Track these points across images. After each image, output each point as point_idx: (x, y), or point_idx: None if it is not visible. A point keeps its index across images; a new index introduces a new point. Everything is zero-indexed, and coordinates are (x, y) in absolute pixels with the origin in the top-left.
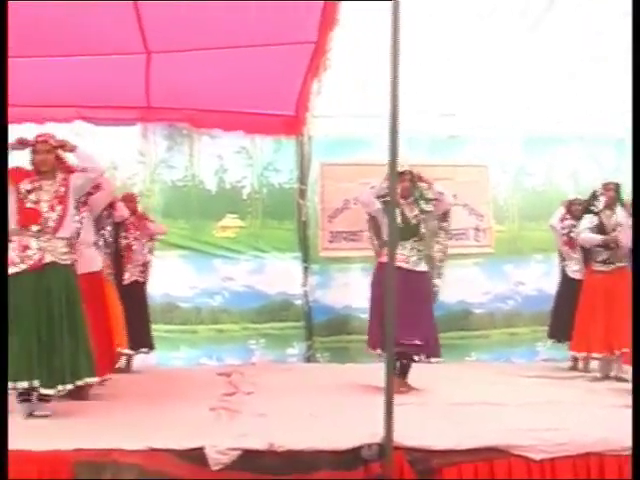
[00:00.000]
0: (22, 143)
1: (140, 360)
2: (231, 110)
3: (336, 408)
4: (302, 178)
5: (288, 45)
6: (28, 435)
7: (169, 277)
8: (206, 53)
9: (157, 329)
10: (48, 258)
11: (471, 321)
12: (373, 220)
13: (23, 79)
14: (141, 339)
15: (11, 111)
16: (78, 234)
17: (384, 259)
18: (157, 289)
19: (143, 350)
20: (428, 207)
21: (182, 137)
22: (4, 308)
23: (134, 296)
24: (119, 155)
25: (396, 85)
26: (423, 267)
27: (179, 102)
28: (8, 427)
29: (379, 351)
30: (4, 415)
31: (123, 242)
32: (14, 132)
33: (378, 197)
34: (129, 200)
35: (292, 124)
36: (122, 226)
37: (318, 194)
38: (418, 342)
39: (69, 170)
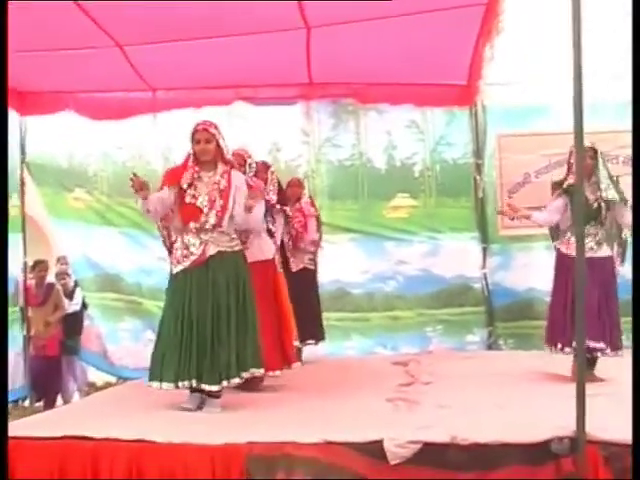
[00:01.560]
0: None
1: (311, 350)
2: (398, 82)
3: (522, 398)
4: (478, 152)
5: (457, 9)
6: (199, 427)
7: (339, 262)
8: (369, 24)
9: (328, 317)
10: (212, 250)
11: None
12: None
13: (179, 62)
14: (312, 330)
15: (167, 96)
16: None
17: (561, 247)
18: (327, 275)
19: (310, 342)
20: (612, 194)
21: (347, 114)
22: (4, 308)
23: (304, 285)
24: (281, 136)
25: (579, 46)
26: (604, 252)
27: (342, 77)
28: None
29: (560, 348)
30: (4, 415)
31: (291, 230)
32: (173, 117)
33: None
34: (295, 185)
35: (465, 94)
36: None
37: (496, 168)
38: (602, 345)
39: (231, 163)
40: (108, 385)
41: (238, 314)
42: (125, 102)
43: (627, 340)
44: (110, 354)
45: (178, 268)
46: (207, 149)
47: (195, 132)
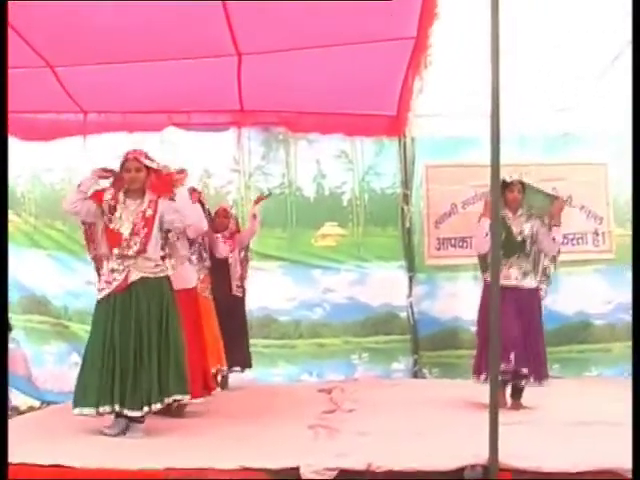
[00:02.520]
0: (107, 172)
1: (237, 376)
2: (328, 111)
3: (442, 426)
4: (406, 182)
5: (386, 41)
6: (120, 452)
7: (266, 289)
8: (300, 53)
9: (255, 344)
10: (135, 276)
11: (591, 333)
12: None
13: (111, 85)
14: (239, 356)
15: (99, 119)
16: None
17: (488, 277)
18: (254, 302)
19: (237, 369)
20: (540, 217)
21: (278, 142)
22: (4, 309)
23: (232, 312)
24: (212, 163)
25: (497, 82)
26: (529, 282)
27: (273, 105)
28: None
29: (484, 378)
30: (4, 416)
31: (218, 257)
32: (104, 141)
33: None
34: (223, 215)
35: (394, 124)
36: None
37: (423, 198)
38: (525, 371)
39: (159, 190)
40: (31, 409)
41: (161, 339)
42: (55, 123)
43: (551, 371)
44: (35, 378)
45: (101, 295)
46: (137, 178)
47: (126, 160)
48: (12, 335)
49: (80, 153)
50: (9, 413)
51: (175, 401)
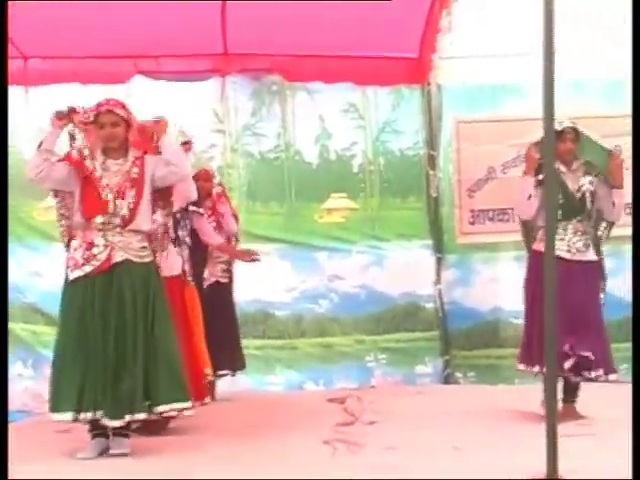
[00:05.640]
0: (62, 119)
1: (227, 384)
2: (335, 55)
3: (484, 439)
4: (431, 141)
5: None
6: (91, 475)
7: (260, 278)
8: None
9: (247, 345)
10: (119, 256)
11: None
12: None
13: (60, 24)
14: (228, 357)
15: (43, 65)
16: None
17: (539, 246)
18: (245, 294)
19: (226, 372)
20: (599, 174)
21: (271, 94)
22: (4, 309)
23: (216, 302)
24: (190, 121)
25: (551, 12)
26: (592, 255)
27: (265, 47)
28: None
29: (536, 369)
30: (4, 416)
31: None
32: (51, 93)
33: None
34: (203, 179)
35: (415, 69)
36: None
37: (453, 161)
38: (589, 354)
39: (144, 147)
40: None
41: (147, 336)
42: None
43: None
44: None
45: (76, 274)
46: (114, 134)
47: (98, 114)
48: None
49: (20, 108)
50: None
51: (174, 410)
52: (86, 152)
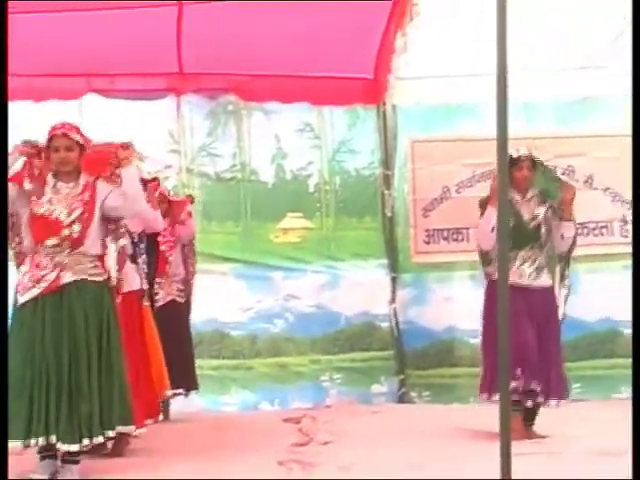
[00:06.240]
0: (33, 148)
1: (182, 405)
2: (291, 74)
3: (439, 458)
4: (386, 161)
5: None
6: None
7: (215, 298)
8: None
9: (201, 365)
10: (68, 277)
11: (620, 345)
12: None
13: (12, 40)
14: (181, 377)
15: None
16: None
17: (493, 276)
18: (200, 314)
19: (179, 392)
20: (552, 202)
21: (227, 114)
22: (4, 308)
23: (171, 321)
24: (144, 140)
25: (503, 32)
26: (545, 281)
27: (222, 66)
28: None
29: (491, 397)
30: (4, 417)
31: (156, 252)
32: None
33: None
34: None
35: (371, 90)
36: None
37: (408, 181)
38: (535, 387)
39: (97, 170)
40: None
41: (101, 358)
42: None
43: (572, 392)
44: None
45: (25, 297)
46: (68, 158)
47: (52, 138)
48: None
49: None
50: None
51: (118, 433)
52: (36, 173)
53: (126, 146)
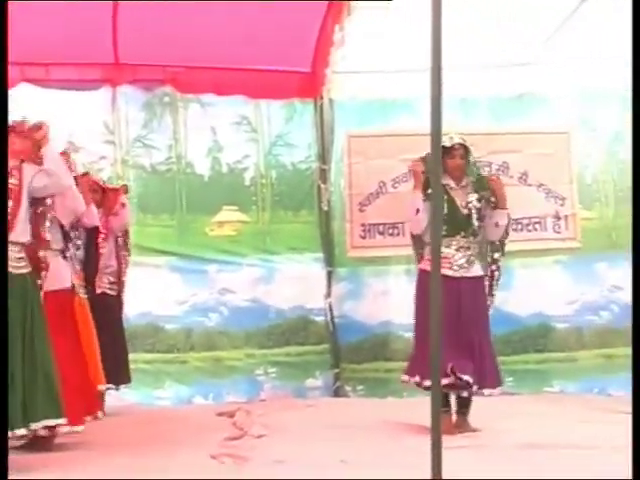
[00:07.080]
0: None
1: (115, 399)
2: (228, 67)
3: (372, 453)
4: (323, 155)
5: None
6: None
7: (149, 291)
8: None
9: (135, 359)
10: None
11: (552, 340)
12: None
13: None
14: (113, 371)
15: None
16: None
17: (425, 265)
18: (134, 307)
19: (110, 387)
20: (485, 193)
21: (163, 106)
22: (4, 308)
23: (103, 314)
24: (79, 131)
25: (438, 28)
26: (476, 271)
27: (158, 57)
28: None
29: (416, 379)
30: (4, 417)
31: (91, 246)
32: None
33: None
34: (92, 190)
35: (308, 83)
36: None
37: (345, 175)
38: (467, 377)
39: (20, 155)
40: None
41: (25, 350)
42: None
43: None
44: None
45: None
46: None
47: None
48: None
49: None
50: None
51: (47, 428)
52: None
53: (39, 126)
